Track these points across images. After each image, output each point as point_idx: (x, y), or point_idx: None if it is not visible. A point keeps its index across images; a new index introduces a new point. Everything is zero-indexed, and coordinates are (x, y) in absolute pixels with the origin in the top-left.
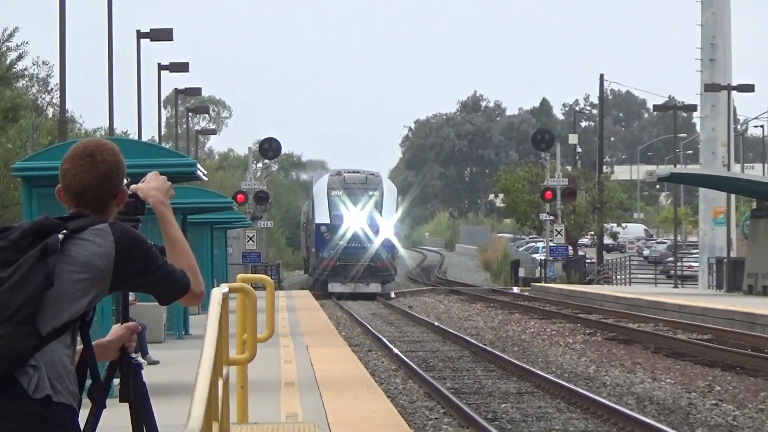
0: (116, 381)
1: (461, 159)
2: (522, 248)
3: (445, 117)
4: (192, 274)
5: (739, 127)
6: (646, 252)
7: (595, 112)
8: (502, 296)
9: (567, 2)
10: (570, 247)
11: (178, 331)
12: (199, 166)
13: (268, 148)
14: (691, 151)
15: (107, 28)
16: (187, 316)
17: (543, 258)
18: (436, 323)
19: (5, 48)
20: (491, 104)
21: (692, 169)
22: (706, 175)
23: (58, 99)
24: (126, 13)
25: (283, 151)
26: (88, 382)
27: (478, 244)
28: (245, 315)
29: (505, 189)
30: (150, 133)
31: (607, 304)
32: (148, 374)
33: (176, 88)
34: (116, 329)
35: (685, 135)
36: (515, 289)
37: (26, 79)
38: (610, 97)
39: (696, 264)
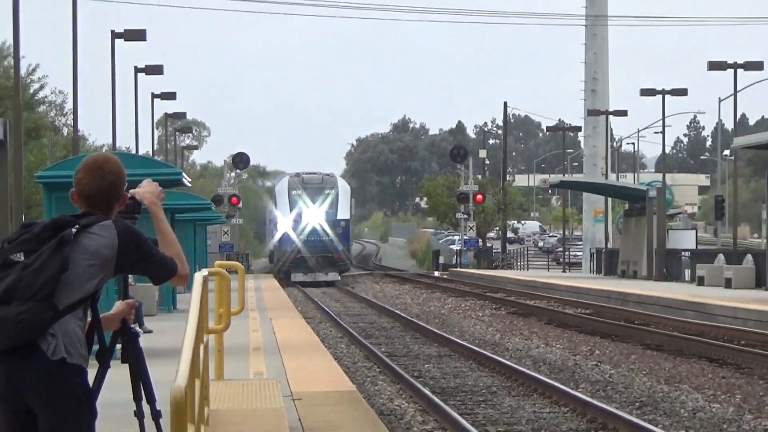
0: (118, 346)
1: (393, 169)
2: (441, 240)
3: (380, 136)
4: (179, 260)
5: (614, 144)
6: (540, 243)
7: (500, 132)
8: (426, 279)
9: (479, 43)
10: (480, 240)
11: (168, 306)
12: (184, 175)
13: (239, 160)
14: (576, 164)
15: (110, 66)
16: (175, 294)
17: (458, 248)
18: (373, 300)
19: (29, 80)
20: (417, 125)
21: (577, 177)
22: (588, 182)
23: (72, 121)
24: (126, 49)
25: (251, 163)
26: (96, 347)
27: (407, 238)
28: (221, 293)
29: (428, 193)
30: (145, 148)
31: (509, 285)
32: (144, 341)
33: (166, 113)
34: (118, 305)
35: (572, 150)
36: (436, 273)
37: (46, 105)
38: (512, 120)
39: (580, 253)
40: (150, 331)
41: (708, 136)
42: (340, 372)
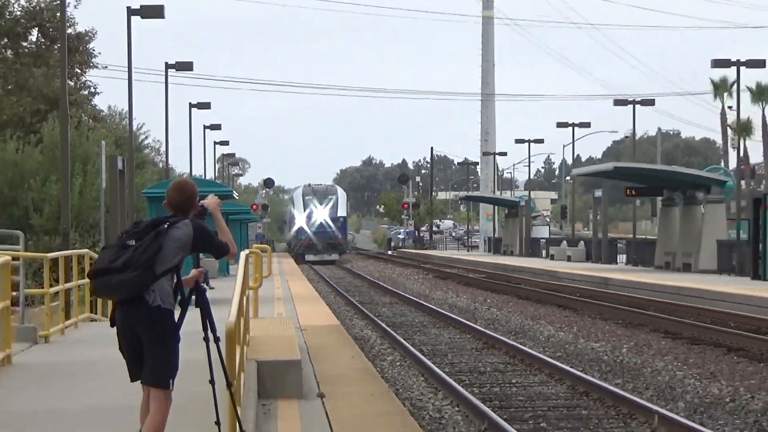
0: (194, 297)
1: (363, 188)
2: (393, 232)
3: (354, 167)
4: (231, 244)
5: (499, 173)
6: (453, 234)
7: (428, 164)
8: (383, 256)
9: (415, 110)
10: (416, 231)
11: (224, 272)
12: (234, 192)
13: (268, 182)
14: (476, 185)
15: (188, 127)
16: (228, 265)
17: (403, 237)
18: (350, 269)
19: (139, 133)
20: (378, 161)
21: (476, 193)
22: (483, 196)
23: (164, 159)
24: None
25: (275, 184)
26: (179, 298)
27: (371, 230)
28: (257, 265)
29: (385, 203)
30: (210, 174)
31: (434, 259)
32: (209, 294)
33: (223, 153)
34: (193, 272)
35: (473, 177)
36: (389, 252)
37: (148, 148)
38: (436, 158)
39: (478, 240)
40: (213, 288)
41: (556, 167)
42: (330, 313)
